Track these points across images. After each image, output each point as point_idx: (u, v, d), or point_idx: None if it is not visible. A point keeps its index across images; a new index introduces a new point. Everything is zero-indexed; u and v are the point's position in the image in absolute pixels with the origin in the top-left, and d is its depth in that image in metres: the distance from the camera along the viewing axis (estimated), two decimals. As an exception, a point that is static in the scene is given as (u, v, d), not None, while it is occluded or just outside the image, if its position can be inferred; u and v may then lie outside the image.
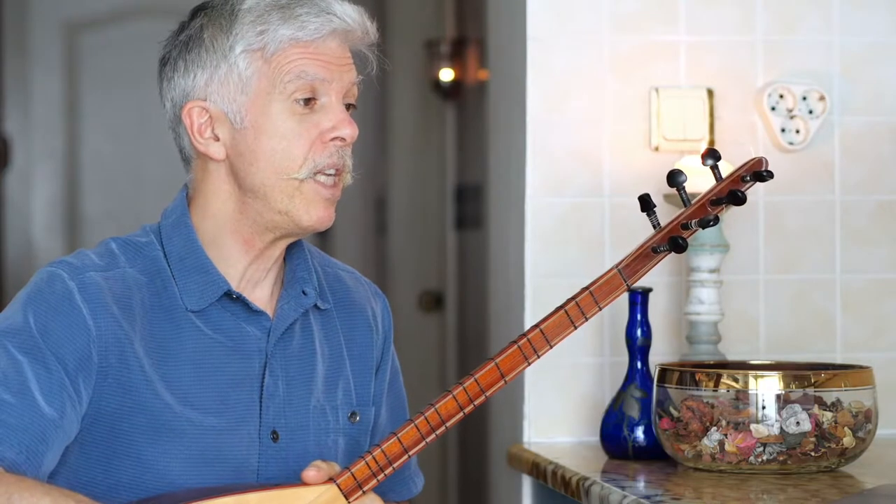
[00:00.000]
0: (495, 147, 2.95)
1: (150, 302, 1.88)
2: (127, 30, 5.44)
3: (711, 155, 1.90)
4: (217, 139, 1.92)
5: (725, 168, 1.97)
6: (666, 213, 2.52)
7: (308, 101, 1.89)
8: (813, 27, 2.69)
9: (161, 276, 1.90)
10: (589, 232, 2.64)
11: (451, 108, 4.60)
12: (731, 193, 1.87)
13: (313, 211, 1.89)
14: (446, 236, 4.64)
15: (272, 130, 1.89)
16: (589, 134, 2.64)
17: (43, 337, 1.82)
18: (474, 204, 4.23)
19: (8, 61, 5.38)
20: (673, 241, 1.85)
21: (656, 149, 2.65)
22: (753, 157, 1.92)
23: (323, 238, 5.27)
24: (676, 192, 1.91)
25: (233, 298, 1.91)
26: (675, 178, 1.89)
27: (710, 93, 2.66)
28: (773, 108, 2.65)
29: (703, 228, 1.87)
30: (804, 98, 2.65)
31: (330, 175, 1.90)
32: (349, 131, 1.89)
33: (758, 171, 1.89)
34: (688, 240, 1.86)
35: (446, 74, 4.52)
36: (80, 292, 1.84)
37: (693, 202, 1.88)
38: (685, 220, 1.87)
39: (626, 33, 2.65)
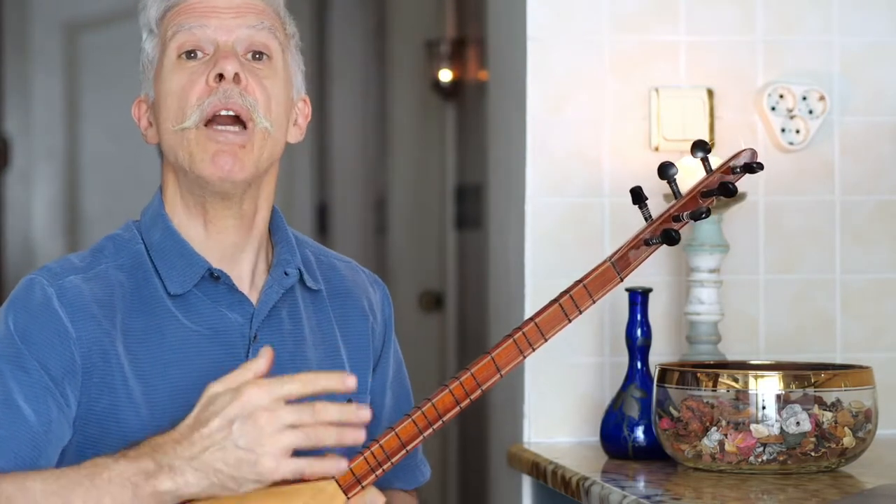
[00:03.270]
0: (495, 147, 2.95)
1: (130, 297, 1.89)
2: (127, 30, 5.42)
3: (701, 147, 1.90)
4: (151, 125, 1.97)
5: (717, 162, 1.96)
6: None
7: (192, 54, 1.90)
8: (813, 27, 2.69)
9: (142, 268, 1.92)
10: (589, 232, 2.64)
11: (451, 108, 4.60)
12: (721, 185, 1.87)
13: (209, 159, 1.87)
14: (446, 236, 4.64)
15: (167, 89, 1.90)
16: (589, 134, 2.64)
17: (24, 343, 1.83)
18: (474, 204, 4.23)
19: (8, 61, 5.38)
20: (665, 234, 1.85)
21: (656, 149, 2.65)
22: (744, 148, 1.92)
23: (323, 238, 5.27)
24: (661, 172, 1.90)
25: (214, 279, 1.91)
26: (665, 170, 1.89)
27: (710, 93, 2.66)
28: (773, 108, 2.65)
29: (695, 220, 1.86)
30: (804, 98, 2.65)
31: (227, 126, 1.87)
32: (229, 67, 1.87)
33: (748, 163, 1.89)
34: (683, 236, 1.86)
35: (446, 74, 4.52)
36: (59, 297, 1.85)
37: (684, 194, 1.88)
38: (676, 212, 1.87)
39: (626, 33, 2.65)
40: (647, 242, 1.86)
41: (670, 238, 1.84)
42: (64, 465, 1.83)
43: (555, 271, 2.63)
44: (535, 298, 2.63)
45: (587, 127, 2.65)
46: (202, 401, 1.70)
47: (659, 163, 2.61)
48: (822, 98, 2.66)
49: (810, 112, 2.66)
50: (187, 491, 1.69)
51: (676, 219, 1.87)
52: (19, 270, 5.34)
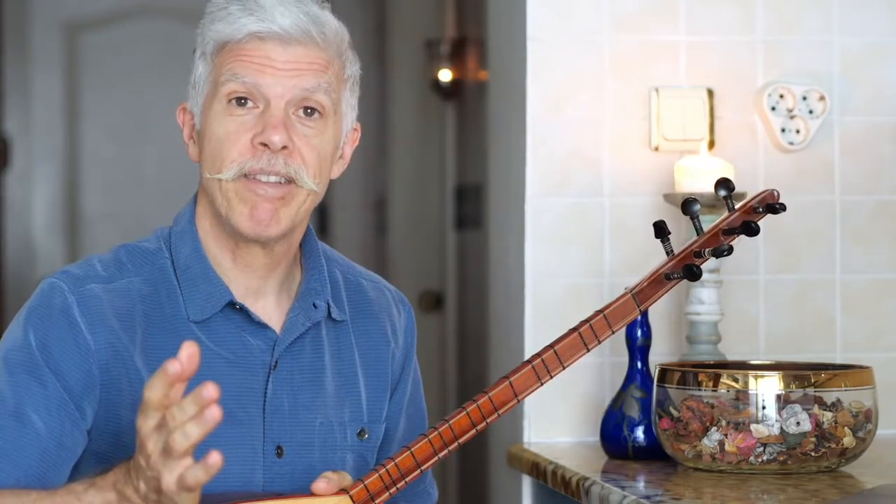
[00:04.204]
0: (495, 147, 2.95)
1: (152, 314, 1.87)
2: (127, 30, 5.44)
3: (725, 185, 1.90)
4: (194, 141, 1.93)
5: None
6: (667, 212, 2.53)
7: (242, 102, 1.85)
8: (813, 27, 2.69)
9: (166, 285, 1.89)
10: (589, 232, 2.64)
11: (451, 108, 4.60)
12: (744, 224, 1.87)
13: (247, 213, 1.84)
14: (446, 236, 4.64)
15: (211, 132, 1.86)
16: (589, 134, 2.64)
17: (42, 354, 1.81)
18: (474, 204, 4.23)
19: (8, 61, 5.38)
20: (687, 269, 1.85)
21: (656, 149, 2.65)
22: (767, 189, 1.92)
23: (323, 238, 5.26)
24: (684, 208, 1.91)
25: (236, 309, 1.89)
26: (689, 206, 1.89)
27: (710, 93, 2.66)
28: (773, 108, 2.65)
29: (717, 257, 1.87)
30: (804, 98, 2.65)
31: (270, 182, 1.84)
32: (276, 138, 1.82)
33: (770, 204, 1.90)
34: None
35: (446, 74, 4.52)
36: (79, 306, 1.83)
37: (706, 231, 1.88)
38: (698, 248, 1.87)
39: (626, 33, 2.65)
40: (667, 277, 1.87)
41: (692, 273, 1.85)
42: (80, 476, 1.81)
43: (555, 271, 2.63)
44: (535, 298, 2.63)
45: (587, 127, 2.64)
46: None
47: (659, 163, 2.64)
48: (822, 98, 2.66)
49: (810, 112, 2.66)
50: None
51: (698, 254, 1.87)
52: (19, 270, 5.34)
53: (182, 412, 1.56)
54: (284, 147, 1.84)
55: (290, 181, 1.85)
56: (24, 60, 5.42)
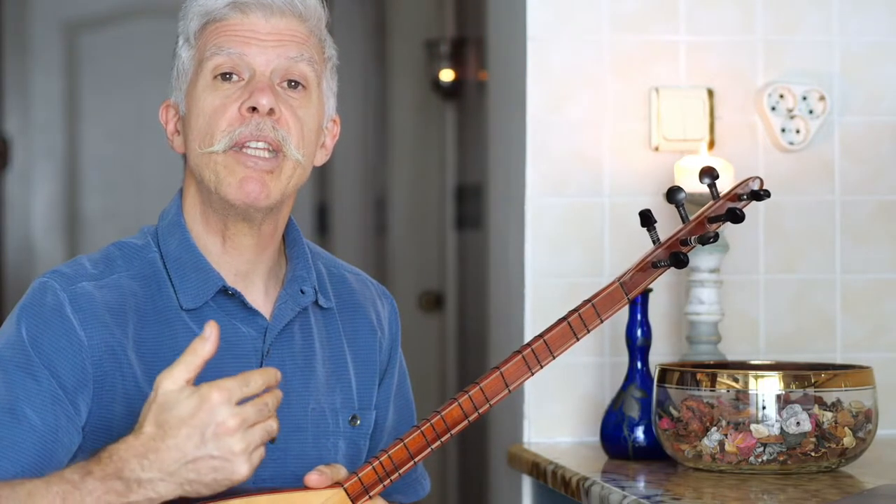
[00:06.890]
0: (495, 147, 2.95)
1: (143, 307, 1.88)
2: (127, 30, 5.44)
3: (708, 174, 1.91)
4: (178, 133, 1.95)
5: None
6: (667, 212, 2.53)
7: (227, 77, 1.88)
8: (813, 27, 2.69)
9: (156, 278, 1.90)
10: (589, 232, 2.64)
11: (451, 108, 4.60)
12: (729, 211, 1.89)
13: (236, 184, 1.86)
14: (446, 236, 4.64)
15: (199, 109, 1.89)
16: (589, 134, 2.65)
17: (35, 350, 1.82)
18: (474, 204, 4.23)
19: (8, 61, 5.38)
20: (674, 257, 1.87)
21: (656, 149, 2.65)
22: (751, 176, 1.93)
23: (323, 238, 5.27)
24: (669, 196, 1.92)
25: (228, 295, 1.91)
26: (674, 195, 1.91)
27: (710, 93, 2.66)
28: (773, 108, 2.65)
29: (703, 244, 1.89)
30: (804, 98, 2.65)
31: (258, 149, 1.87)
32: (264, 101, 1.85)
33: (754, 190, 1.91)
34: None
35: (446, 74, 4.52)
36: (71, 304, 1.84)
37: (691, 218, 1.89)
38: (684, 236, 1.89)
39: (626, 33, 2.65)
40: (654, 265, 1.88)
41: (679, 261, 1.86)
42: None
43: (555, 271, 2.63)
44: (535, 298, 2.63)
45: (587, 127, 2.65)
46: (157, 400, 1.67)
47: (659, 163, 2.64)
48: (822, 98, 2.66)
49: (810, 112, 2.66)
50: (157, 499, 1.68)
51: (684, 242, 1.89)
52: (19, 270, 5.34)
53: (275, 403, 1.71)
54: (272, 111, 1.87)
55: (277, 151, 1.87)
56: (24, 60, 5.42)
